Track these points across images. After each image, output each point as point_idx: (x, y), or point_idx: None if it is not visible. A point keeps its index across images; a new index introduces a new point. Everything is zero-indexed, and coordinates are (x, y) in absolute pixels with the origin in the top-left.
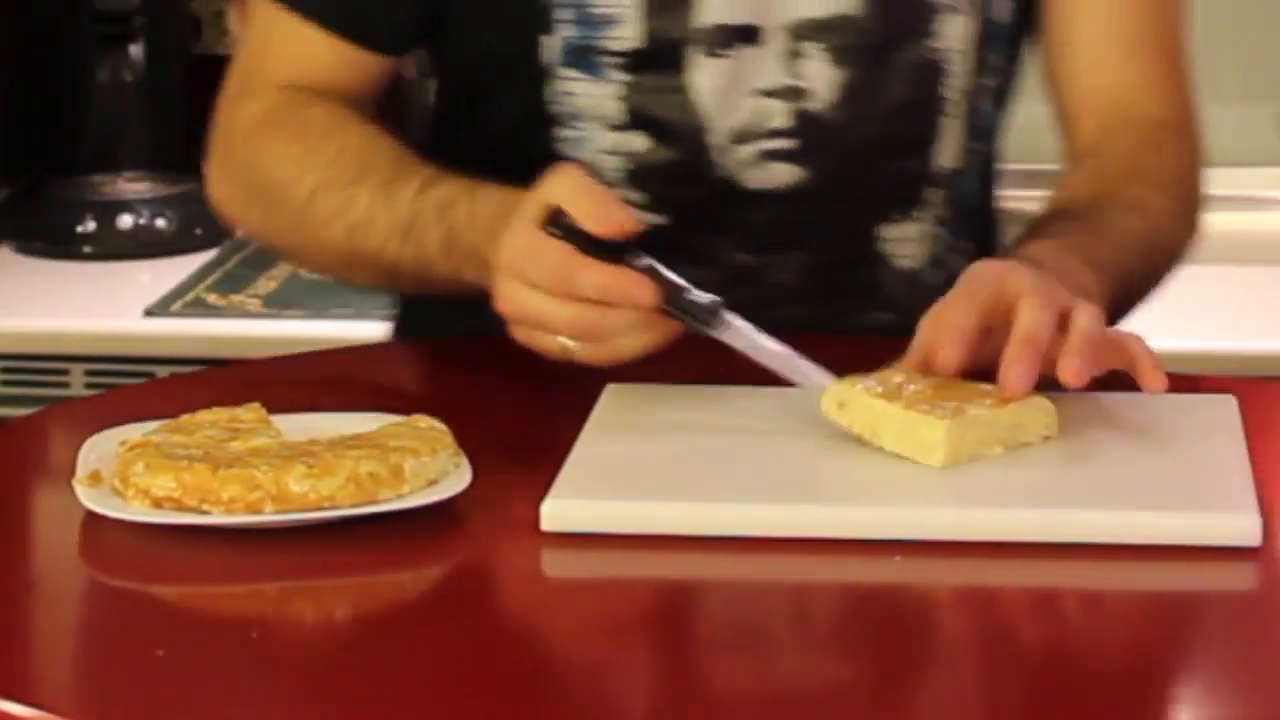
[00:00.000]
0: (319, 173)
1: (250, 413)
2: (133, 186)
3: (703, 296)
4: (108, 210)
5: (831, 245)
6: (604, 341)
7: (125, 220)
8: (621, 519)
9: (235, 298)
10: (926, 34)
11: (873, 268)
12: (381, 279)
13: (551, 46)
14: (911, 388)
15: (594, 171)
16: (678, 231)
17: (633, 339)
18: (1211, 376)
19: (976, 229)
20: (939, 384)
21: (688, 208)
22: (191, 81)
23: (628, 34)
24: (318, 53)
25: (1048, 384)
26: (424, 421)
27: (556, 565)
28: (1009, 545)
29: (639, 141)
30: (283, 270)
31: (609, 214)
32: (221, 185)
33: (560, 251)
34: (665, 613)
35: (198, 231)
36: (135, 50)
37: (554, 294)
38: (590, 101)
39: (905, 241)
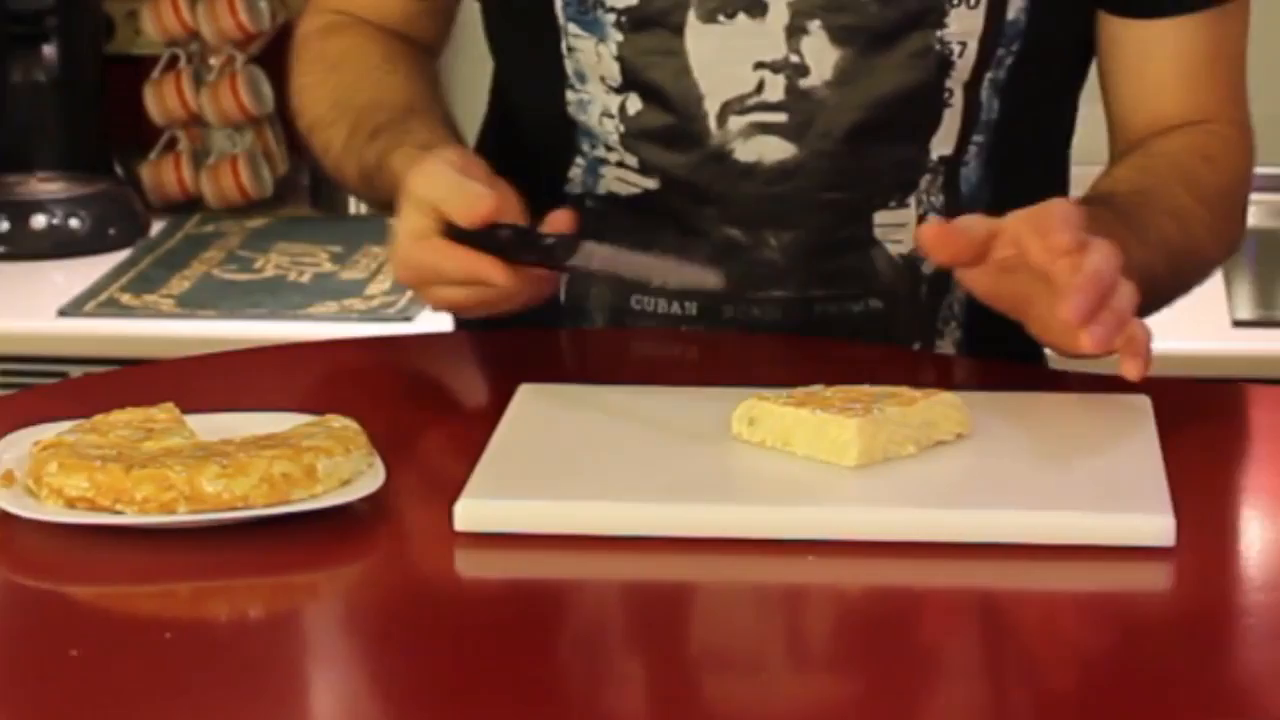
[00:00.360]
0: (313, 109)
1: (164, 413)
2: (46, 186)
3: (555, 238)
4: (21, 210)
5: (823, 227)
6: (490, 306)
7: (39, 220)
8: (535, 519)
9: (149, 298)
10: (936, 24)
11: (865, 253)
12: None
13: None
14: (822, 396)
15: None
16: (668, 199)
17: (509, 301)
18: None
19: None
20: (848, 391)
21: (678, 175)
22: (105, 81)
23: None
24: None
25: (963, 383)
26: (337, 421)
27: (469, 565)
28: (922, 545)
29: (634, 104)
30: (196, 270)
31: (470, 206)
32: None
33: (427, 251)
34: (577, 612)
35: (111, 232)
36: (49, 50)
37: (432, 281)
38: (592, 60)
39: (900, 228)
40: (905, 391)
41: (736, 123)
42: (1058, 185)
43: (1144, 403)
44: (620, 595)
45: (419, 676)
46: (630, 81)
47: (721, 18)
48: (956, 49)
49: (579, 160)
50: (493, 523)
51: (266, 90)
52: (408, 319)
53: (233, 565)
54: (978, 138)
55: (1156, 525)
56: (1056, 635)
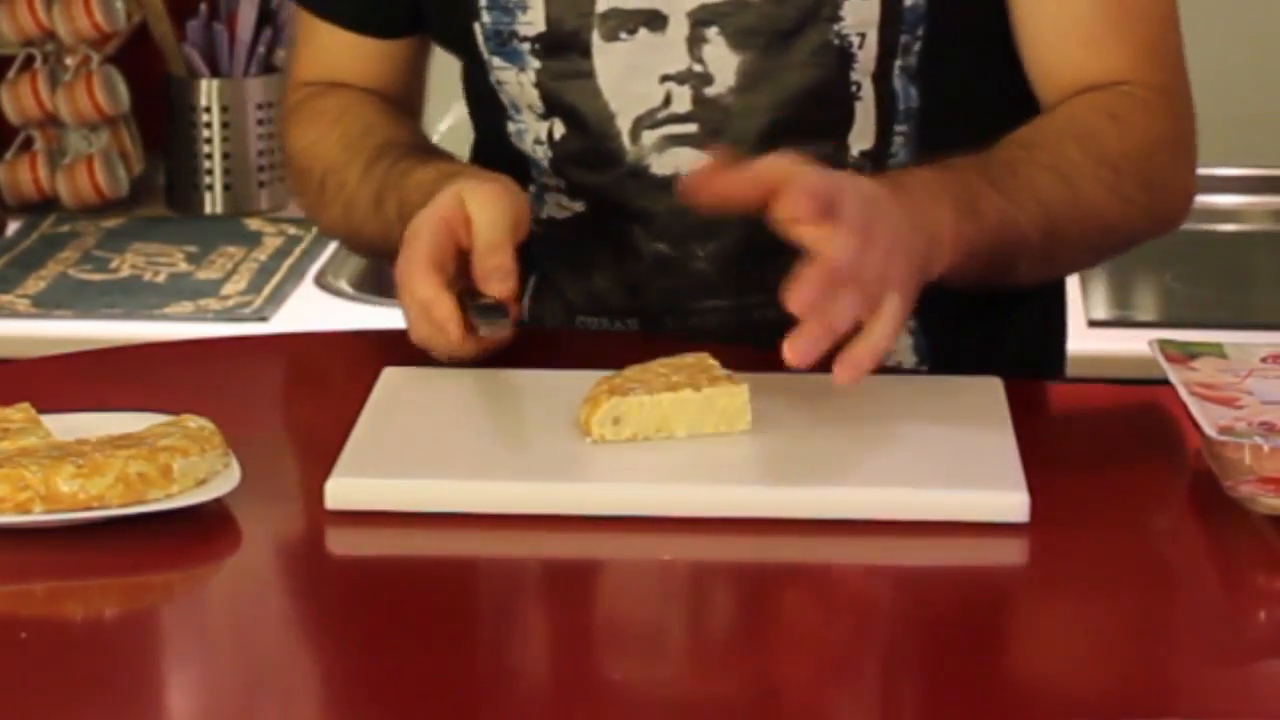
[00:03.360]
0: (325, 159)
1: (19, 413)
2: None
3: (490, 304)
4: None
5: (748, 234)
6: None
7: None
8: (405, 497)
9: (4, 298)
10: (832, 18)
11: (794, 258)
12: (374, 253)
13: (479, 33)
14: (672, 377)
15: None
16: (597, 220)
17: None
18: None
19: None
20: (684, 366)
21: (604, 196)
22: None
23: (535, 19)
24: (330, 46)
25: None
26: (193, 421)
27: (325, 566)
28: (779, 521)
29: (558, 129)
30: (51, 270)
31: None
32: (289, 178)
33: (415, 293)
34: (450, 589)
35: None
36: None
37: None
38: (517, 90)
39: None
40: (707, 371)
41: (649, 137)
42: None
43: (996, 384)
44: (493, 571)
45: (279, 668)
46: (551, 107)
47: (623, 35)
48: (856, 40)
49: (530, 188)
50: (362, 500)
51: (122, 90)
52: (263, 319)
53: (89, 565)
54: (901, 128)
55: (1012, 502)
56: (918, 608)
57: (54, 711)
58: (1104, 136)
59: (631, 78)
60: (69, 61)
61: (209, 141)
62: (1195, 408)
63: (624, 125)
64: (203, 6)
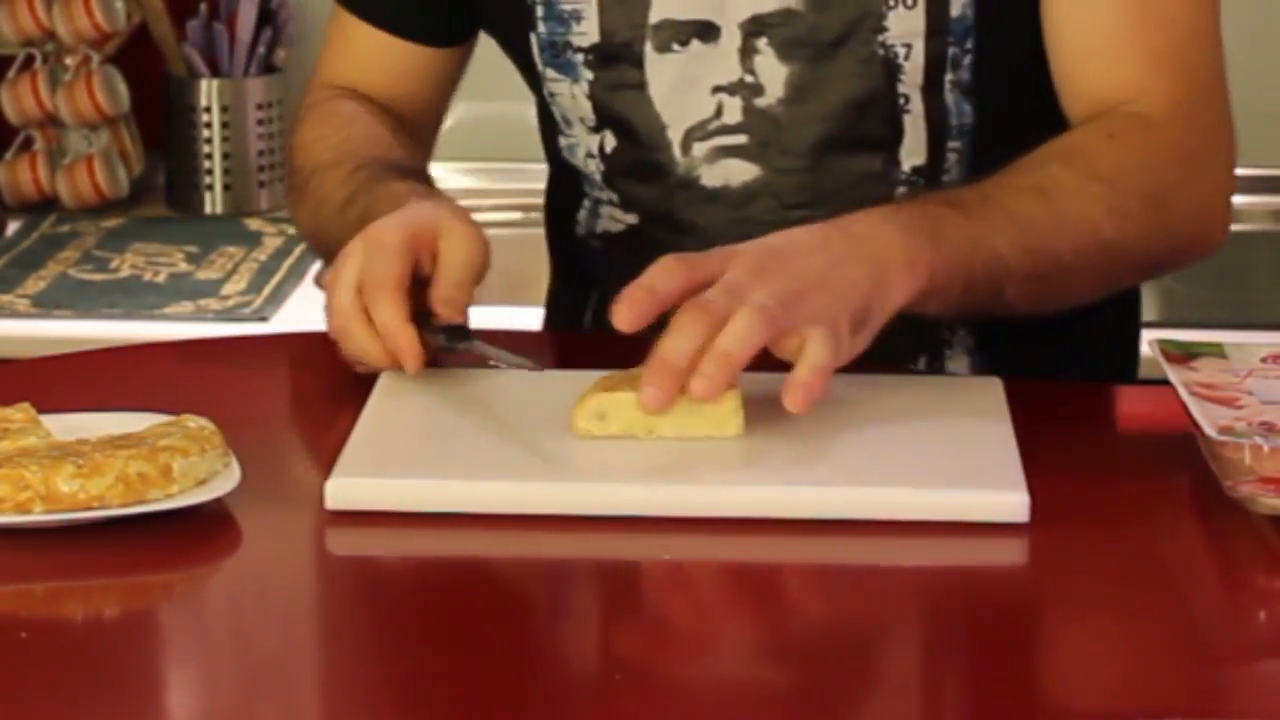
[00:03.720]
0: (317, 158)
1: (19, 412)
2: None
3: (446, 328)
4: None
5: None
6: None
7: None
8: (406, 497)
9: (4, 298)
10: (876, 28)
11: None
12: (333, 255)
13: (535, 44)
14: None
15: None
16: (650, 233)
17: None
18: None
19: None
20: None
21: (654, 208)
22: None
23: (589, 29)
24: (366, 51)
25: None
26: (193, 421)
27: (325, 565)
28: (779, 521)
29: (609, 141)
30: (52, 270)
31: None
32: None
33: (380, 314)
34: (450, 589)
35: None
36: None
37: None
38: (570, 102)
39: None
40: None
41: (700, 149)
42: None
43: (996, 384)
44: (493, 571)
45: (279, 668)
46: (603, 119)
47: (676, 46)
48: (901, 51)
49: (585, 202)
50: (363, 501)
51: (122, 90)
52: (263, 319)
53: (88, 565)
54: (954, 144)
55: (1013, 502)
56: (911, 610)
57: (54, 711)
58: (1094, 153)
59: (683, 89)
60: (69, 61)
61: (209, 141)
62: (1195, 408)
63: (675, 136)
64: (203, 6)
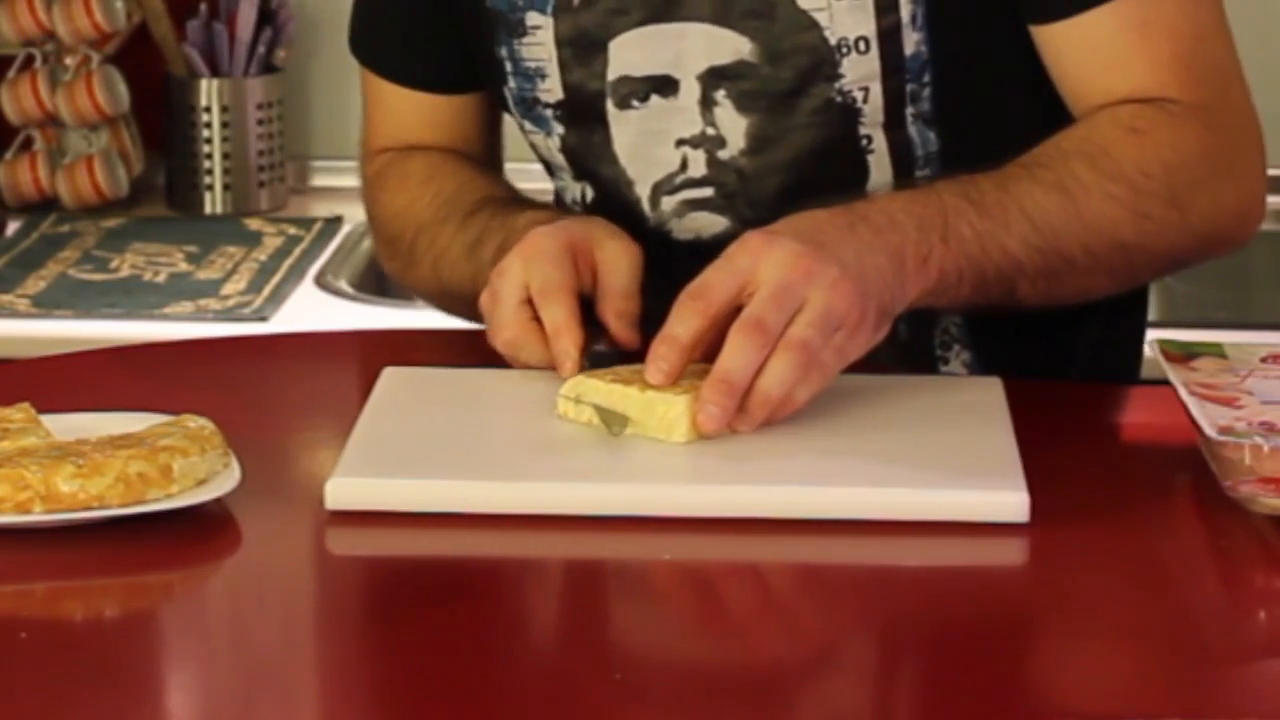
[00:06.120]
0: (418, 219)
1: (19, 413)
2: None
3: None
4: None
5: None
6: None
7: None
8: (406, 497)
9: (4, 298)
10: (831, 76)
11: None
12: (460, 301)
13: (509, 98)
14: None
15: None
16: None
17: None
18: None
19: None
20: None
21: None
22: None
23: (553, 86)
24: (401, 108)
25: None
26: (193, 421)
27: (325, 565)
28: (775, 522)
29: (589, 192)
30: (52, 270)
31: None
32: (375, 246)
33: (552, 312)
34: (450, 589)
35: None
36: None
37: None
38: (548, 153)
39: None
40: None
41: (668, 203)
42: None
43: (996, 384)
44: (493, 571)
45: (279, 668)
46: (579, 171)
47: (635, 102)
48: (859, 95)
49: None
50: (362, 501)
51: (122, 90)
52: (263, 319)
53: (88, 565)
54: (923, 172)
55: (1012, 502)
56: (911, 610)
57: (54, 711)
58: (1119, 151)
59: (647, 144)
60: (69, 61)
61: (209, 141)
62: (1195, 408)
63: (643, 192)
64: (203, 6)
